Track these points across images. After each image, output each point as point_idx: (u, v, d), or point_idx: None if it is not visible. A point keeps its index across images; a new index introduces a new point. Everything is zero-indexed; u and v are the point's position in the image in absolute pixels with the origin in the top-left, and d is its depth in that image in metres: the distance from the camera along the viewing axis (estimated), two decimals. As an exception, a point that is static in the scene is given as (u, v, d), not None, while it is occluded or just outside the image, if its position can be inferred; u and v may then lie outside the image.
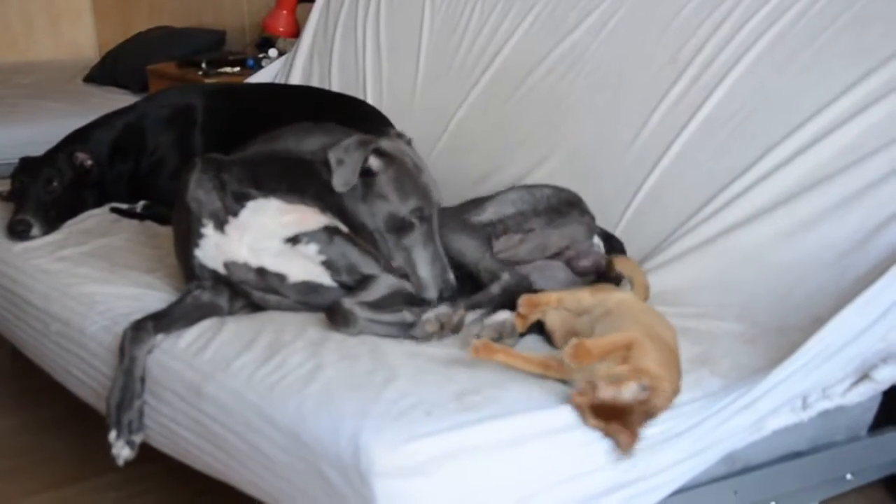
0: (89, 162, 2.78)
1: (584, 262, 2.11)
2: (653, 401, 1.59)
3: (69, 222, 2.72)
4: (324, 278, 2.01)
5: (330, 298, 1.98)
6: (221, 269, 2.03)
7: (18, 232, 2.59)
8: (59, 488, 2.44)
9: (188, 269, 2.08)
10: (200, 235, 2.02)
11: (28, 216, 2.62)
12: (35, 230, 2.60)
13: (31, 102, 4.55)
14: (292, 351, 1.81)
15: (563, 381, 1.69)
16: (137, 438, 1.95)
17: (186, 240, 2.06)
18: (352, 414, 1.58)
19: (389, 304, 1.95)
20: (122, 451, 1.93)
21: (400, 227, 1.87)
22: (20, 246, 2.56)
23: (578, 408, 1.59)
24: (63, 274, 2.37)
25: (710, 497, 1.86)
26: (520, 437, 1.57)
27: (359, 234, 1.93)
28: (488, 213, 2.12)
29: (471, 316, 1.94)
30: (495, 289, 2.01)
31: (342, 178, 1.82)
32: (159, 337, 1.97)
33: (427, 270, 1.89)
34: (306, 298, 2.03)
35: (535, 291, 1.96)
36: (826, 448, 2.01)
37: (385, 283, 1.96)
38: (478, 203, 2.15)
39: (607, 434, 1.58)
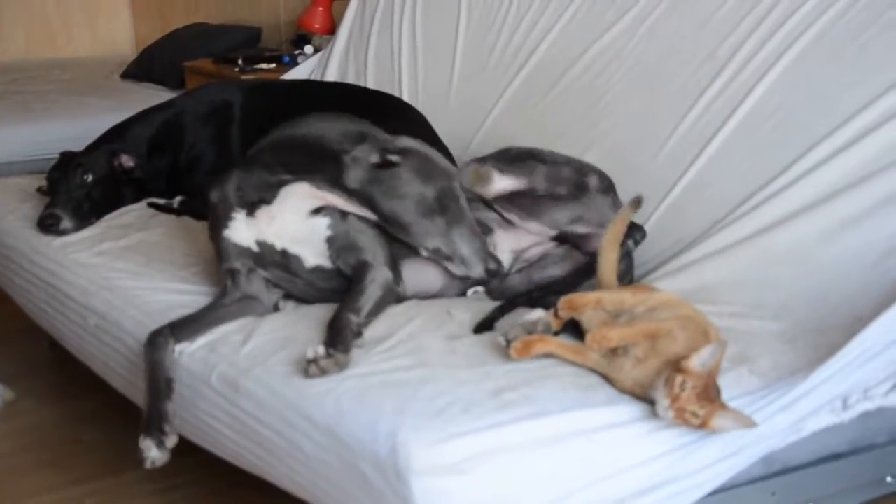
0: (131, 163, 2.80)
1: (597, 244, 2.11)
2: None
3: (107, 217, 2.73)
4: (324, 259, 2.05)
5: (336, 285, 2.04)
6: (254, 247, 2.06)
7: (47, 226, 2.60)
8: (97, 480, 2.46)
9: (220, 253, 2.11)
10: (231, 218, 2.08)
11: (57, 210, 2.62)
12: (65, 224, 2.60)
13: (70, 98, 4.57)
14: (330, 348, 1.81)
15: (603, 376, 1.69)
16: (169, 441, 1.90)
17: (218, 224, 2.10)
18: (389, 411, 1.58)
19: (385, 304, 1.98)
20: (150, 453, 1.89)
21: (431, 210, 1.95)
22: (60, 240, 2.58)
23: (678, 411, 1.58)
24: (102, 268, 2.39)
25: (747, 498, 1.84)
26: (556, 435, 1.57)
27: (391, 225, 1.99)
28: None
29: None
30: None
31: (356, 177, 1.95)
32: (181, 345, 1.98)
33: (467, 247, 1.98)
34: (322, 284, 2.08)
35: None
36: (866, 450, 1.99)
37: (379, 282, 1.98)
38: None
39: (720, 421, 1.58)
